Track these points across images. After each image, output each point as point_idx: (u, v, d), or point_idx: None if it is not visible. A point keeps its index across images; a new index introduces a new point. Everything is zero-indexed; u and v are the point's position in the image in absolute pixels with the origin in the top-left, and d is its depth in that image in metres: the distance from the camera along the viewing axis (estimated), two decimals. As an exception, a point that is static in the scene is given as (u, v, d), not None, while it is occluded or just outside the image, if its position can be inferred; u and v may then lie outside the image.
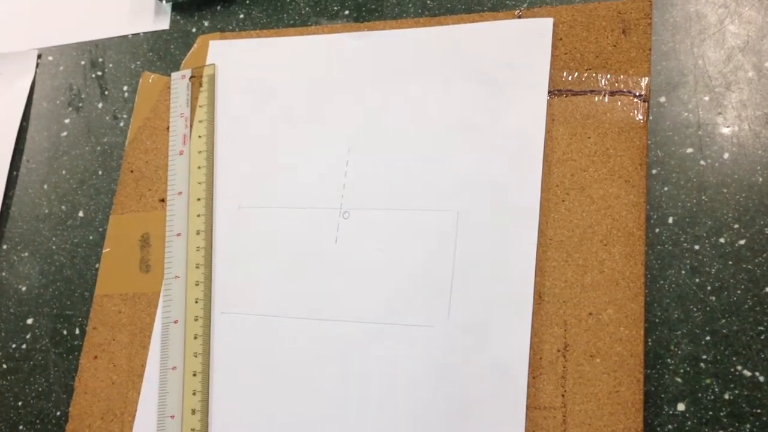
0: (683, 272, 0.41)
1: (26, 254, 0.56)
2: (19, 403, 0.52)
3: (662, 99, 0.44)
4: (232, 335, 0.47)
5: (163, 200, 0.53)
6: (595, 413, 0.39)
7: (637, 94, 0.44)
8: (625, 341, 0.40)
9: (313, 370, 0.44)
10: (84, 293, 0.53)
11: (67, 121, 0.59)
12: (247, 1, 0.57)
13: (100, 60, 0.60)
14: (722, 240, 0.41)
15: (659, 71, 0.45)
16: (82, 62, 0.61)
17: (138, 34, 0.60)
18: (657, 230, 0.42)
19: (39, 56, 0.62)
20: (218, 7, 0.58)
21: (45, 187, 0.58)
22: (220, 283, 0.49)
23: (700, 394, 0.39)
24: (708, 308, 0.40)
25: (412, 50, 0.50)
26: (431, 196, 0.46)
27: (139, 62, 0.59)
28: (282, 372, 0.45)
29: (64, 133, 0.59)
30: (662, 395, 0.39)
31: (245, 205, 0.50)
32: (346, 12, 0.54)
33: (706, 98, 0.43)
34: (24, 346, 0.53)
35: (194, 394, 0.46)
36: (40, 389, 0.51)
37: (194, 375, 0.46)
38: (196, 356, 0.47)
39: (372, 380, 0.43)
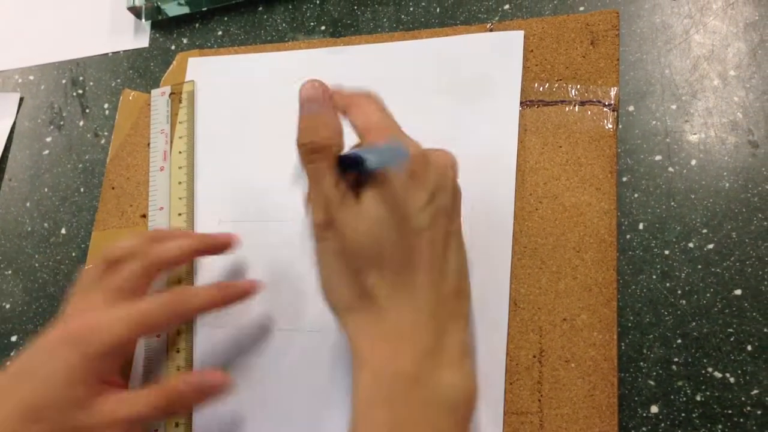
0: (654, 277, 0.42)
1: (9, 272, 0.56)
2: (4, 421, 0.52)
3: (631, 108, 0.45)
4: (213, 348, 0.47)
5: (144, 216, 0.53)
6: (571, 417, 0.40)
7: (607, 103, 0.45)
8: (598, 346, 0.41)
9: (297, 380, 0.45)
10: (67, 310, 0.53)
11: (48, 139, 0.60)
12: (225, 18, 0.58)
13: (81, 78, 0.61)
14: (691, 245, 0.42)
15: (627, 81, 0.46)
16: (63, 81, 0.61)
17: (118, 52, 0.61)
18: (628, 236, 0.43)
19: (21, 95, 0.63)
20: (197, 25, 0.58)
21: (27, 204, 0.58)
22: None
23: (672, 396, 0.40)
24: (679, 312, 0.41)
25: (388, 64, 0.51)
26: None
27: (119, 80, 0.59)
28: (265, 383, 0.45)
29: (46, 152, 0.59)
30: (636, 398, 0.40)
31: (226, 219, 0.51)
32: (323, 27, 0.55)
33: (674, 107, 0.44)
34: (8, 364, 0.53)
35: (176, 425, 0.47)
36: (24, 406, 0.52)
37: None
38: (179, 369, 0.47)
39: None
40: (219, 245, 0.47)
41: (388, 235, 0.36)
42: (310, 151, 0.38)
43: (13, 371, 0.41)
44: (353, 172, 0.37)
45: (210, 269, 0.49)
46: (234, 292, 0.44)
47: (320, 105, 0.40)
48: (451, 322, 0.37)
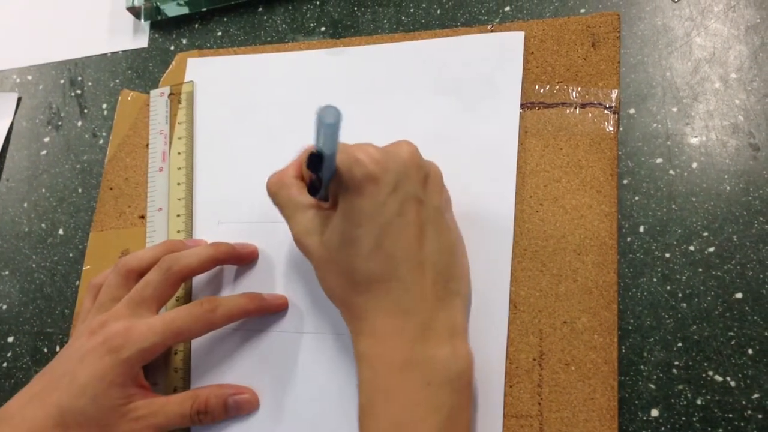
0: (655, 280, 0.42)
1: (6, 273, 0.56)
2: (0, 422, 0.51)
3: (632, 110, 0.45)
4: (212, 349, 0.47)
5: (143, 217, 0.53)
6: (571, 420, 0.40)
7: (608, 105, 0.45)
8: (599, 349, 0.41)
9: (294, 382, 0.45)
10: (64, 311, 0.53)
11: (46, 139, 0.59)
12: (225, 19, 0.58)
13: (80, 78, 0.61)
14: (692, 248, 0.42)
15: (628, 83, 0.46)
16: (62, 81, 0.61)
17: (117, 52, 0.60)
18: (629, 239, 0.43)
19: (19, 95, 0.63)
20: (196, 25, 0.58)
21: (25, 205, 0.58)
22: (200, 298, 0.49)
23: (673, 400, 0.39)
24: (679, 315, 0.41)
25: (388, 65, 0.51)
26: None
27: (118, 80, 0.59)
28: (261, 384, 0.45)
29: (44, 152, 0.59)
30: (636, 401, 0.40)
31: (225, 221, 0.50)
32: (323, 29, 0.54)
33: (675, 109, 0.44)
34: (5, 365, 0.53)
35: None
36: (20, 408, 0.51)
37: (175, 390, 0.47)
38: (176, 372, 0.47)
39: (350, 390, 0.43)
40: (239, 257, 0.48)
41: (361, 240, 0.38)
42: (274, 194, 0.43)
43: (48, 377, 0.42)
44: (318, 170, 0.37)
45: (206, 274, 0.49)
46: (263, 305, 0.46)
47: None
48: (441, 303, 0.39)
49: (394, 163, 0.38)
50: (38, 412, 0.40)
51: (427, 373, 0.37)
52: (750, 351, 0.39)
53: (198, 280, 0.49)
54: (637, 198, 0.43)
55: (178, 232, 0.51)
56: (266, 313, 0.46)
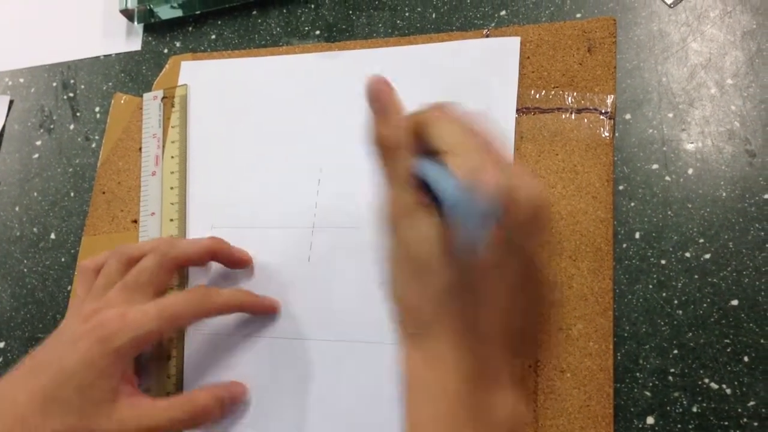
0: (650, 286, 0.41)
1: (-3, 277, 0.56)
2: (-9, 429, 0.51)
3: (627, 116, 0.45)
4: (204, 354, 0.47)
5: (135, 221, 0.52)
6: (567, 428, 0.40)
7: (603, 111, 0.45)
8: (594, 356, 0.40)
9: (287, 388, 0.44)
10: (56, 316, 0.53)
11: (38, 143, 0.59)
12: (219, 22, 0.57)
13: (72, 81, 0.60)
14: (688, 254, 0.41)
15: (624, 89, 0.45)
16: (54, 84, 0.61)
17: (110, 55, 0.60)
18: (624, 245, 0.42)
19: (11, 98, 0.62)
20: (190, 28, 0.58)
21: (16, 209, 0.57)
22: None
23: (668, 407, 0.39)
24: (675, 322, 0.40)
25: (382, 69, 0.50)
26: (402, 215, 0.46)
27: (111, 83, 0.59)
28: (253, 389, 0.45)
29: (36, 155, 0.59)
30: (632, 409, 0.40)
31: (218, 225, 0.50)
32: (317, 32, 0.54)
33: (670, 115, 0.44)
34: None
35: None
36: (11, 414, 0.51)
37: (167, 395, 0.46)
38: (169, 378, 0.47)
39: (346, 398, 0.43)
40: (234, 257, 0.47)
41: (442, 259, 0.32)
42: (386, 150, 0.35)
43: (35, 361, 0.41)
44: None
45: (200, 279, 0.49)
46: (257, 302, 0.45)
47: (390, 104, 0.36)
48: (504, 357, 0.33)
49: (520, 216, 0.31)
50: (22, 396, 0.39)
51: (479, 415, 0.32)
52: (746, 358, 0.39)
53: (193, 280, 0.49)
54: (632, 204, 0.43)
55: (171, 236, 0.51)
56: (259, 312, 0.46)
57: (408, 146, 0.34)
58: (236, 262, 0.47)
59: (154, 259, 0.43)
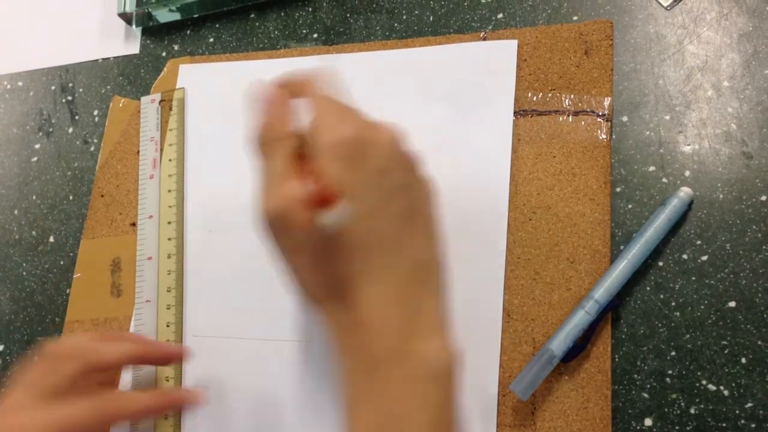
0: (648, 288, 0.41)
1: (-4, 281, 0.56)
2: (-11, 432, 0.51)
3: (624, 118, 0.45)
4: (204, 358, 0.47)
5: (134, 224, 0.53)
6: (565, 430, 0.40)
7: (600, 113, 0.45)
8: (592, 358, 0.41)
9: (285, 390, 0.44)
10: (55, 319, 0.53)
11: (37, 146, 0.59)
12: (217, 25, 0.57)
13: (71, 85, 0.60)
14: (685, 256, 0.42)
15: (621, 91, 0.46)
16: (52, 87, 0.61)
17: (108, 58, 0.60)
18: (622, 247, 0.43)
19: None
20: (188, 32, 0.58)
21: (15, 212, 0.57)
22: (191, 306, 0.49)
23: (666, 409, 0.39)
24: (672, 324, 0.41)
25: (380, 72, 0.50)
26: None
27: (109, 87, 0.59)
28: (253, 392, 0.45)
29: (35, 159, 0.59)
30: (630, 411, 0.40)
31: (216, 229, 0.50)
32: (315, 35, 0.54)
33: (667, 117, 0.44)
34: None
35: (166, 418, 0.46)
36: (10, 417, 0.51)
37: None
38: (167, 380, 0.47)
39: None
40: (165, 356, 0.46)
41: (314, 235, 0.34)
42: (263, 144, 0.39)
43: None
44: None
45: (198, 281, 0.49)
46: (169, 401, 0.44)
47: (269, 102, 0.40)
48: (425, 295, 0.35)
49: (374, 155, 0.35)
50: None
51: (415, 367, 0.34)
52: (743, 360, 0.39)
53: (192, 295, 0.49)
54: (630, 206, 0.43)
55: (169, 239, 0.51)
56: (177, 410, 0.46)
57: (288, 136, 0.38)
58: (168, 359, 0.46)
59: (74, 364, 0.41)
